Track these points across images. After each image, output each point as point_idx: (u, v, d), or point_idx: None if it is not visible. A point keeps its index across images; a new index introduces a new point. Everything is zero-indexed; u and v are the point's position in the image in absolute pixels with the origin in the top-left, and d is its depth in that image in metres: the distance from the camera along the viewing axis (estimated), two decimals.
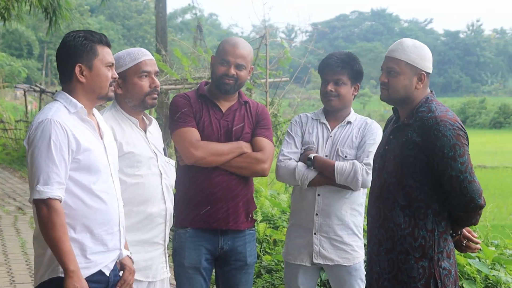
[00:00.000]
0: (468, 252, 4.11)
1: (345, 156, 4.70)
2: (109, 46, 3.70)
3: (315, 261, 4.73)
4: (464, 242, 4.01)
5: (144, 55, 4.24)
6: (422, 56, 3.91)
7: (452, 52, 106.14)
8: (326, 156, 4.73)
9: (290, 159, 4.79)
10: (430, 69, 3.94)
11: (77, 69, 3.59)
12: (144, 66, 4.20)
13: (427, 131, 3.73)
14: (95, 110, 3.79)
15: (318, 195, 4.70)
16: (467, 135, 3.76)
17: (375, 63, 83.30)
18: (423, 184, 3.78)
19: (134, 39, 71.62)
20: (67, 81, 3.65)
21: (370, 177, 4.47)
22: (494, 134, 47.93)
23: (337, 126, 4.81)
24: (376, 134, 4.75)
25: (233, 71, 4.56)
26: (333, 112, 4.84)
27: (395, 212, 3.84)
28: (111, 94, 3.71)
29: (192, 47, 14.52)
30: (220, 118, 4.61)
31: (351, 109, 4.89)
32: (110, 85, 3.68)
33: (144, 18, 73.98)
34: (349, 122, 4.82)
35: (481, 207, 3.74)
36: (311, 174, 4.70)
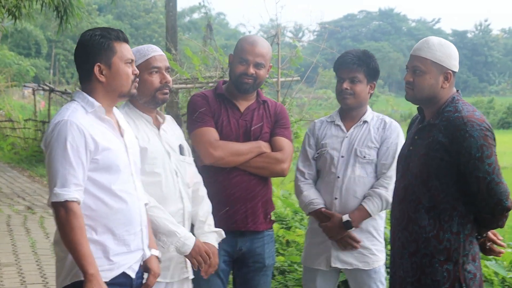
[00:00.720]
0: (492, 255, 4.01)
1: (364, 157, 4.60)
2: (127, 41, 3.63)
3: (333, 265, 4.64)
4: (488, 244, 3.92)
5: (154, 51, 4.17)
6: (448, 55, 3.82)
7: (460, 52, 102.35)
8: (343, 157, 4.64)
9: (304, 175, 4.74)
10: (456, 68, 3.85)
11: (96, 69, 3.53)
12: (154, 61, 4.13)
13: (454, 132, 3.64)
14: (114, 108, 3.72)
15: (336, 198, 4.61)
16: (494, 135, 3.67)
17: (382, 63, 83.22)
18: (449, 185, 3.70)
19: (142, 38, 71.57)
20: (87, 81, 3.58)
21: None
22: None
23: (353, 126, 4.72)
24: (398, 135, 4.66)
25: (252, 70, 4.49)
26: (348, 111, 4.75)
27: (419, 214, 3.76)
28: (134, 91, 3.64)
29: (202, 46, 14.44)
30: (239, 117, 4.56)
31: (368, 108, 4.79)
32: (133, 82, 3.61)
33: (152, 17, 74.00)
34: (365, 122, 4.72)
35: (508, 209, 3.65)
36: (310, 210, 4.65)
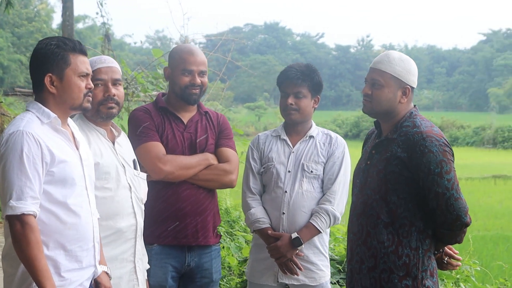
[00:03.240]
0: (449, 269, 4.03)
1: (311, 171, 4.55)
2: (84, 53, 3.51)
3: (280, 280, 4.58)
4: (445, 259, 3.93)
5: (101, 63, 4.04)
6: (408, 70, 3.83)
7: (343, 66, 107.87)
8: (290, 172, 4.58)
9: (251, 191, 4.64)
10: (415, 84, 3.86)
11: (47, 80, 3.42)
12: (98, 74, 3.99)
13: (413, 147, 3.64)
14: (69, 120, 3.60)
15: (283, 213, 4.54)
16: (453, 151, 3.70)
17: (268, 76, 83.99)
18: (407, 201, 3.70)
19: (24, 47, 69.70)
20: (39, 90, 3.47)
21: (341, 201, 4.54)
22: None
23: (299, 141, 4.67)
24: (344, 150, 4.65)
25: (198, 79, 4.45)
26: (293, 126, 4.70)
27: (378, 229, 3.74)
28: (87, 105, 3.54)
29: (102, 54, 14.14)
30: (183, 130, 4.48)
31: (312, 122, 4.76)
32: (86, 95, 3.49)
33: (36, 26, 72.17)
34: (311, 137, 4.68)
35: (467, 225, 3.67)
36: (255, 228, 4.57)
